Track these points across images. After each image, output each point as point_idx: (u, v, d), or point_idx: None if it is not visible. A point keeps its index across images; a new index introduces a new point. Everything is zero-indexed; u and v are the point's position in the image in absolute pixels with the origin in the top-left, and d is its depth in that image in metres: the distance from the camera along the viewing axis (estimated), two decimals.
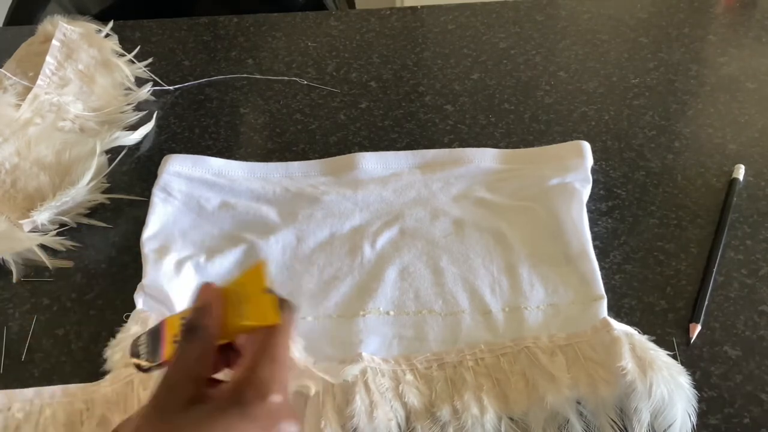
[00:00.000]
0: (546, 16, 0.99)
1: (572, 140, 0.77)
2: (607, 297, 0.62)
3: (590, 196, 0.71)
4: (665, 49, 0.92)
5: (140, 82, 0.91)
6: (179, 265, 0.67)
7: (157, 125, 0.86)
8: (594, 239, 0.67)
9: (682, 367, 0.55)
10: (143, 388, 0.56)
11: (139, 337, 0.46)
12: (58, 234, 0.73)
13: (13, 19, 1.21)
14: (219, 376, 0.45)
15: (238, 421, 0.40)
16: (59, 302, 0.67)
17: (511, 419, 0.55)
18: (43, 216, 0.72)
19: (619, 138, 0.80)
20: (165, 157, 0.76)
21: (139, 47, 0.95)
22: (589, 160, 0.74)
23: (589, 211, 0.70)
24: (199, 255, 0.68)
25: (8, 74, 0.86)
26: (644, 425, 0.53)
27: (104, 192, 0.77)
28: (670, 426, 0.53)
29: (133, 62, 0.92)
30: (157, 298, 0.64)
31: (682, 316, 0.62)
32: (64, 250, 0.72)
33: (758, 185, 0.73)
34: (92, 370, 0.61)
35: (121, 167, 0.80)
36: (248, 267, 0.46)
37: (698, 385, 0.56)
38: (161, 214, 0.71)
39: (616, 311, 0.63)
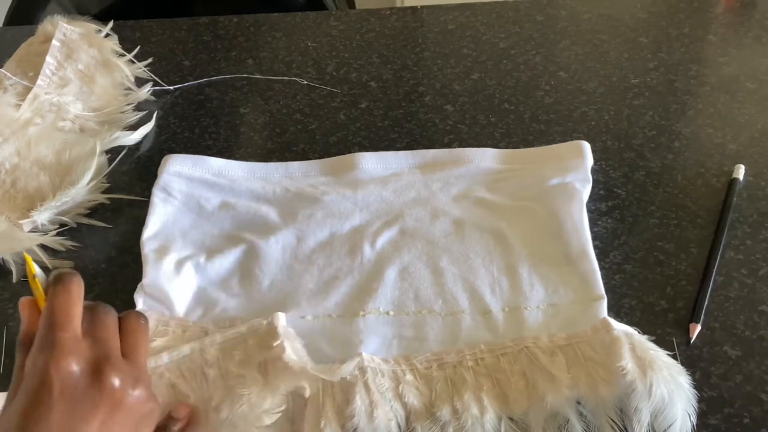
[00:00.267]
0: (546, 16, 0.99)
1: (572, 140, 0.77)
2: (607, 297, 0.62)
3: (590, 196, 0.71)
4: (665, 49, 0.92)
5: (140, 82, 0.91)
6: (179, 265, 0.67)
7: (157, 125, 0.86)
8: (594, 239, 0.67)
9: (682, 367, 0.55)
10: None
11: None
12: (58, 234, 0.73)
13: (13, 19, 1.21)
14: None
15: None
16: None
17: (511, 419, 0.55)
18: (43, 216, 0.72)
19: (619, 138, 0.80)
20: (165, 157, 0.76)
21: (139, 47, 0.95)
22: (589, 160, 0.74)
23: (589, 211, 0.70)
24: (199, 255, 0.68)
25: (8, 74, 0.86)
26: (644, 425, 0.53)
27: (104, 192, 0.77)
28: (670, 426, 0.53)
29: (133, 62, 0.92)
30: (157, 298, 0.64)
31: (682, 316, 0.62)
32: (64, 250, 0.72)
33: (758, 185, 0.73)
34: None
35: (121, 167, 0.80)
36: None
37: (698, 385, 0.56)
38: (161, 214, 0.71)
39: (616, 311, 0.63)
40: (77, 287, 0.47)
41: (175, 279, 0.65)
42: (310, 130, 0.84)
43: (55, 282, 0.46)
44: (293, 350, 0.57)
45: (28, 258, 0.50)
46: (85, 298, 0.67)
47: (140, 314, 0.49)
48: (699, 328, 0.61)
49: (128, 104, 0.88)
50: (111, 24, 0.93)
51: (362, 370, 0.56)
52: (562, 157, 0.74)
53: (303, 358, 0.57)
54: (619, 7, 0.99)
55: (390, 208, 0.72)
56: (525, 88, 0.88)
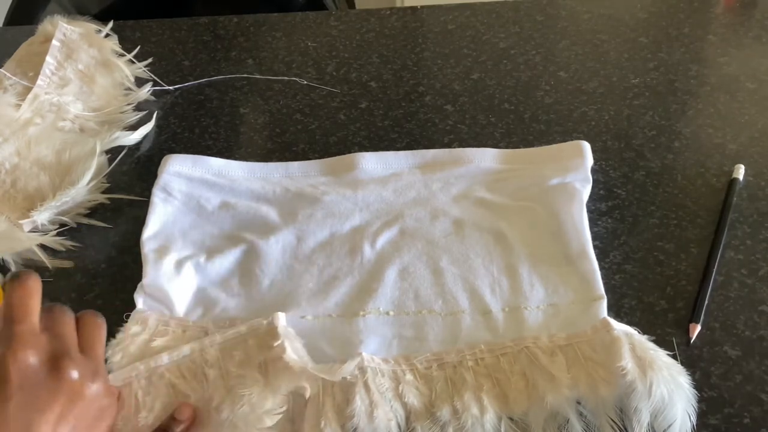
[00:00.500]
0: (546, 16, 0.99)
1: (572, 140, 0.77)
2: (607, 297, 0.62)
3: (590, 196, 0.71)
4: (665, 49, 0.92)
5: (140, 82, 0.91)
6: (179, 265, 0.67)
7: (157, 125, 0.86)
8: (594, 239, 0.67)
9: (682, 367, 0.55)
10: (144, 393, 0.56)
11: None
12: (58, 234, 0.73)
13: (13, 19, 1.21)
14: None
15: None
16: (59, 302, 0.67)
17: (511, 419, 0.55)
18: (43, 216, 0.72)
19: (619, 138, 0.80)
20: (165, 157, 0.76)
21: (139, 47, 0.95)
22: (589, 160, 0.74)
23: (589, 211, 0.70)
24: (199, 255, 0.68)
25: (8, 74, 0.86)
26: (644, 425, 0.53)
27: (104, 192, 0.77)
28: (670, 426, 0.53)
29: (133, 62, 0.92)
30: (157, 298, 0.64)
31: (682, 316, 0.62)
32: (64, 250, 0.72)
33: (758, 185, 0.73)
34: None
35: (121, 167, 0.80)
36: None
37: (698, 385, 0.56)
38: (161, 214, 0.71)
39: (616, 311, 0.63)
40: (34, 283, 0.48)
41: (175, 279, 0.65)
42: (310, 130, 0.84)
43: (12, 279, 0.48)
44: (293, 350, 0.57)
45: None
46: (85, 297, 0.68)
47: (96, 313, 0.51)
48: (699, 328, 0.61)
49: (128, 104, 0.88)
50: (111, 24, 0.93)
51: (362, 370, 0.56)
52: (562, 157, 0.74)
53: (303, 358, 0.57)
54: (619, 7, 0.99)
55: (390, 208, 0.72)
56: (525, 88, 0.88)
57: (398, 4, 1.43)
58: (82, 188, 0.74)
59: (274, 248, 0.68)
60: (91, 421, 0.46)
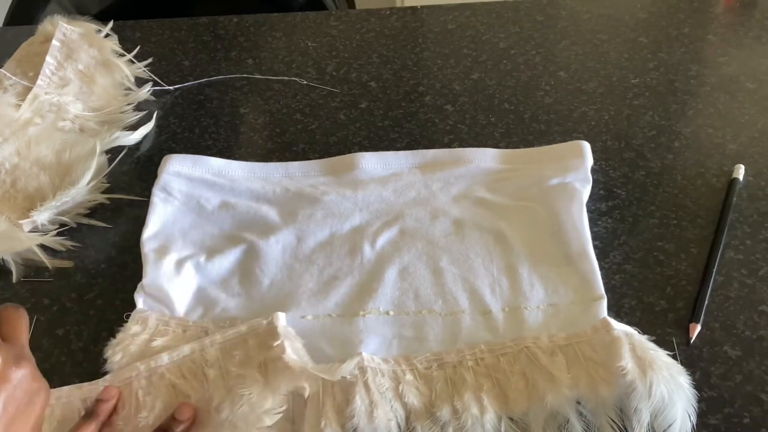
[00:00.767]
0: (546, 16, 0.99)
1: (572, 140, 0.77)
2: (607, 297, 0.62)
3: (590, 196, 0.71)
4: (665, 49, 0.92)
5: (140, 82, 0.91)
6: (179, 264, 0.67)
7: (157, 125, 0.86)
8: (594, 239, 0.67)
9: (682, 367, 0.55)
10: (144, 393, 0.57)
11: None
12: (58, 234, 0.73)
13: (13, 19, 1.21)
14: None
15: None
16: (59, 302, 0.67)
17: (511, 419, 0.55)
18: (43, 216, 0.72)
19: (619, 138, 0.80)
20: (165, 157, 0.76)
21: (139, 47, 0.95)
22: (589, 160, 0.74)
23: (589, 211, 0.70)
24: (199, 255, 0.68)
25: (8, 74, 0.86)
26: (644, 425, 0.53)
27: (104, 192, 0.77)
28: (670, 426, 0.53)
29: (133, 62, 0.92)
30: (157, 298, 0.64)
31: (682, 316, 0.62)
32: (64, 250, 0.72)
33: (758, 185, 0.73)
34: (92, 370, 0.61)
35: (121, 167, 0.80)
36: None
37: (698, 385, 0.56)
38: (161, 214, 0.71)
39: (616, 311, 0.63)
40: None
41: (175, 279, 0.65)
42: (310, 130, 0.84)
43: None
44: (293, 350, 0.57)
45: None
46: (85, 297, 0.68)
47: (17, 305, 0.51)
48: (699, 328, 0.61)
49: (128, 104, 0.88)
50: (111, 24, 0.93)
51: (362, 370, 0.56)
52: (562, 157, 0.74)
53: (303, 358, 0.57)
54: (619, 7, 0.99)
55: (390, 208, 0.72)
56: (525, 88, 0.88)
57: (398, 4, 1.43)
58: (82, 188, 0.74)
59: (274, 248, 0.68)
60: (20, 405, 0.47)
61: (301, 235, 0.69)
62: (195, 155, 0.77)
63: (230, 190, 0.74)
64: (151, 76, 0.91)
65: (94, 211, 0.76)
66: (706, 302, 0.63)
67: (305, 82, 0.91)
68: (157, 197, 0.73)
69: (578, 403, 0.55)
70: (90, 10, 1.10)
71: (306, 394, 0.55)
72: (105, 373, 0.59)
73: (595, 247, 0.66)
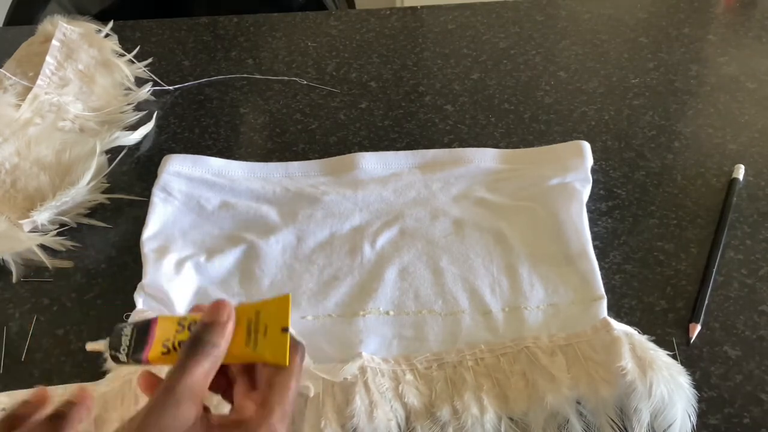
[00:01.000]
0: (546, 16, 0.99)
1: (572, 140, 0.77)
2: (607, 297, 0.62)
3: (590, 196, 0.71)
4: (665, 49, 0.92)
5: (140, 82, 0.91)
6: (179, 264, 0.67)
7: (157, 125, 0.86)
8: (594, 239, 0.67)
9: (682, 367, 0.55)
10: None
11: (123, 327, 0.44)
12: (58, 234, 0.73)
13: (13, 19, 1.21)
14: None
15: None
16: (59, 302, 0.67)
17: (511, 419, 0.55)
18: (43, 216, 0.72)
19: (619, 138, 0.80)
20: (165, 157, 0.76)
21: (139, 47, 0.95)
22: (589, 160, 0.74)
23: (589, 211, 0.70)
24: (199, 255, 0.68)
25: (8, 74, 0.86)
26: (644, 425, 0.53)
27: (104, 192, 0.77)
28: (670, 426, 0.53)
29: (133, 62, 0.92)
30: (157, 298, 0.64)
31: (682, 316, 0.62)
32: (64, 250, 0.72)
33: (758, 185, 0.73)
34: (92, 370, 0.61)
35: (121, 167, 0.80)
36: (271, 296, 0.45)
37: (698, 385, 0.56)
38: (161, 214, 0.71)
39: (616, 311, 0.63)
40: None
41: (175, 279, 0.65)
42: (310, 130, 0.84)
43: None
44: None
45: (287, 302, 0.44)
46: (85, 297, 0.68)
47: (300, 348, 0.46)
48: (699, 328, 0.61)
49: (128, 104, 0.88)
50: (111, 24, 0.93)
51: (362, 370, 0.56)
52: (562, 157, 0.74)
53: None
54: (619, 7, 0.99)
55: (390, 208, 0.72)
56: (525, 88, 0.88)
57: (398, 4, 1.43)
58: (82, 188, 0.74)
59: (274, 248, 0.68)
60: None
61: (301, 235, 0.69)
62: (195, 155, 0.77)
63: (230, 190, 0.74)
64: (151, 76, 0.91)
65: (94, 211, 0.76)
66: (706, 302, 0.63)
67: (305, 82, 0.91)
68: (157, 197, 0.73)
69: (578, 403, 0.55)
70: (90, 10, 1.10)
71: (311, 394, 0.55)
72: (105, 373, 0.59)
73: (595, 247, 0.66)
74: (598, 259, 0.65)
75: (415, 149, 0.78)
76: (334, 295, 0.64)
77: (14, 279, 0.69)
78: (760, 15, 0.97)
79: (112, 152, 0.81)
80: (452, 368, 0.58)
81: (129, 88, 0.90)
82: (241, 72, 0.93)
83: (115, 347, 0.44)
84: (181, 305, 0.64)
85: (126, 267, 0.70)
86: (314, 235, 0.69)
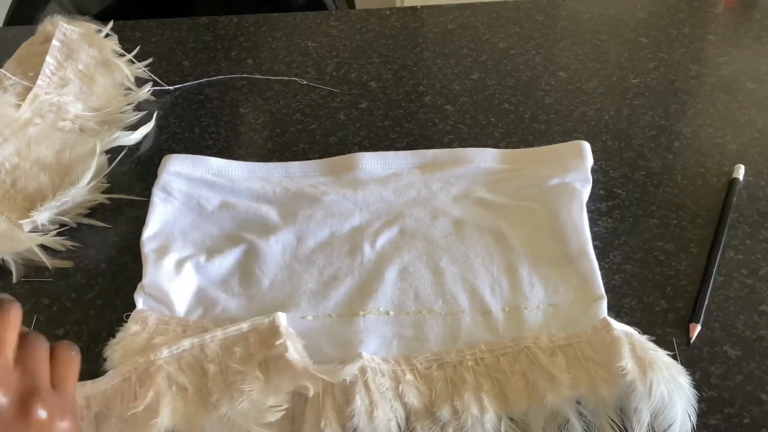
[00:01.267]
0: (546, 16, 0.99)
1: (572, 140, 0.77)
2: (607, 297, 0.62)
3: (590, 196, 0.71)
4: (665, 49, 0.92)
5: (140, 82, 0.91)
6: (179, 264, 0.67)
7: (157, 125, 0.86)
8: (594, 239, 0.67)
9: (682, 367, 0.55)
10: (140, 384, 0.56)
11: None
12: (58, 234, 0.73)
13: (13, 19, 1.21)
14: None
15: None
16: (59, 302, 0.67)
17: (511, 419, 0.55)
18: (43, 216, 0.72)
19: (619, 138, 0.80)
20: (165, 157, 0.76)
21: (139, 47, 0.95)
22: (589, 160, 0.74)
23: (589, 211, 0.70)
24: (199, 255, 0.68)
25: (8, 74, 0.86)
26: (644, 425, 0.53)
27: (104, 192, 0.77)
28: (670, 426, 0.53)
29: (133, 62, 0.92)
30: (157, 298, 0.64)
31: (682, 316, 0.62)
32: (64, 250, 0.72)
33: (758, 185, 0.73)
34: (92, 370, 0.60)
35: (121, 167, 0.80)
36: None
37: (698, 385, 0.56)
38: (161, 214, 0.71)
39: (616, 311, 0.63)
40: (14, 314, 0.46)
41: (175, 279, 0.65)
42: (310, 130, 0.84)
43: None
44: (294, 350, 0.57)
45: None
46: (85, 297, 0.68)
47: (72, 345, 0.49)
48: (699, 328, 0.61)
49: (128, 104, 0.88)
50: (111, 24, 0.93)
51: (362, 370, 0.56)
52: (562, 157, 0.74)
53: (304, 359, 0.57)
54: (619, 7, 0.99)
55: (390, 208, 0.72)
56: (525, 88, 0.88)
57: (398, 4, 1.43)
58: (82, 188, 0.74)
59: (274, 248, 0.68)
60: None
61: (301, 235, 0.69)
62: (195, 155, 0.77)
63: (230, 190, 0.74)
64: (151, 76, 0.91)
65: (94, 211, 0.76)
66: (706, 302, 0.63)
67: (305, 82, 0.91)
68: (157, 197, 0.73)
69: (578, 403, 0.55)
70: (90, 10, 1.10)
71: (310, 393, 0.55)
72: (105, 372, 0.59)
73: (595, 247, 0.66)
74: (598, 259, 0.65)
75: (415, 149, 0.78)
76: (334, 295, 0.64)
77: (14, 279, 0.69)
78: (760, 15, 0.97)
79: (112, 152, 0.81)
80: (452, 368, 0.58)
81: (129, 88, 0.90)
82: (241, 72, 0.93)
83: None
84: (181, 305, 0.64)
85: (126, 267, 0.70)
86: (314, 235, 0.69)
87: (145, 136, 0.84)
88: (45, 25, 0.91)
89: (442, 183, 0.73)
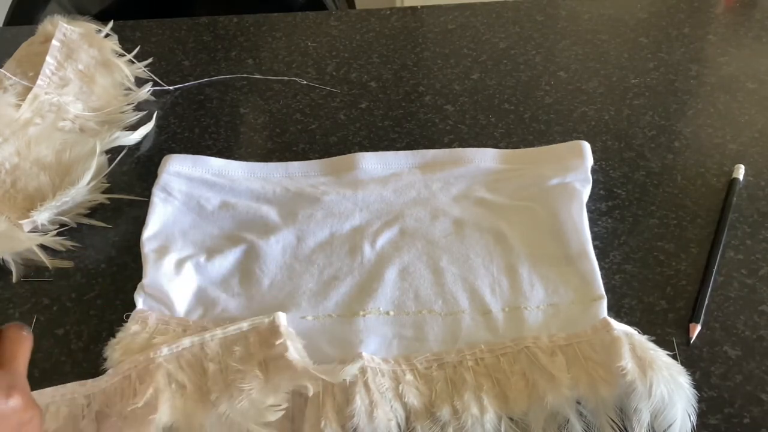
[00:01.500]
0: (546, 16, 0.99)
1: (572, 140, 0.77)
2: (607, 297, 0.62)
3: (590, 196, 0.71)
4: (665, 49, 0.92)
5: (140, 82, 0.91)
6: (179, 264, 0.67)
7: (157, 125, 0.86)
8: (594, 239, 0.67)
9: (682, 367, 0.55)
10: (140, 381, 0.56)
11: None
12: (58, 234, 0.73)
13: (13, 19, 1.21)
14: None
15: None
16: (59, 302, 0.67)
17: (511, 419, 0.55)
18: (43, 216, 0.72)
19: (619, 138, 0.80)
20: (165, 157, 0.76)
21: (139, 47, 0.95)
22: (589, 160, 0.74)
23: (589, 211, 0.70)
24: (199, 255, 0.68)
25: (8, 74, 0.86)
26: (644, 425, 0.53)
27: (104, 192, 0.77)
28: (670, 426, 0.53)
29: (133, 62, 0.92)
30: (157, 298, 0.64)
31: (682, 316, 0.62)
32: (64, 250, 0.72)
33: (758, 185, 0.73)
34: (92, 370, 0.61)
35: (121, 167, 0.80)
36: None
37: (698, 385, 0.56)
38: (161, 214, 0.71)
39: (616, 311, 0.63)
40: None
41: (175, 279, 0.65)
42: (310, 130, 0.84)
43: None
44: (294, 350, 0.57)
45: None
46: (85, 297, 0.68)
47: (22, 326, 0.49)
48: (699, 328, 0.61)
49: (128, 104, 0.88)
50: (111, 24, 0.93)
51: (362, 370, 0.56)
52: (562, 157, 0.74)
53: (304, 359, 0.57)
54: (619, 7, 0.99)
55: (390, 208, 0.72)
56: (525, 88, 0.88)
57: (398, 4, 1.43)
58: (82, 188, 0.74)
59: (274, 248, 0.68)
60: None
61: (301, 235, 0.69)
62: (195, 155, 0.77)
63: (230, 190, 0.74)
64: (151, 76, 0.91)
65: (94, 211, 0.76)
66: (706, 302, 0.63)
67: (305, 82, 0.91)
68: (157, 197, 0.73)
69: (578, 403, 0.55)
70: (90, 10, 1.10)
71: (310, 393, 0.55)
72: (105, 372, 0.59)
73: (595, 247, 0.66)
74: (598, 259, 0.65)
75: (415, 149, 0.78)
76: (334, 295, 0.64)
77: (14, 279, 0.69)
78: (760, 15, 0.97)
79: (112, 152, 0.81)
80: (452, 368, 0.58)
81: (129, 88, 0.90)
82: (241, 72, 0.93)
83: None
84: (181, 305, 0.64)
85: (126, 267, 0.70)
86: (314, 235, 0.69)
87: (145, 136, 0.84)
88: (45, 25, 0.91)
89: (442, 183, 0.73)
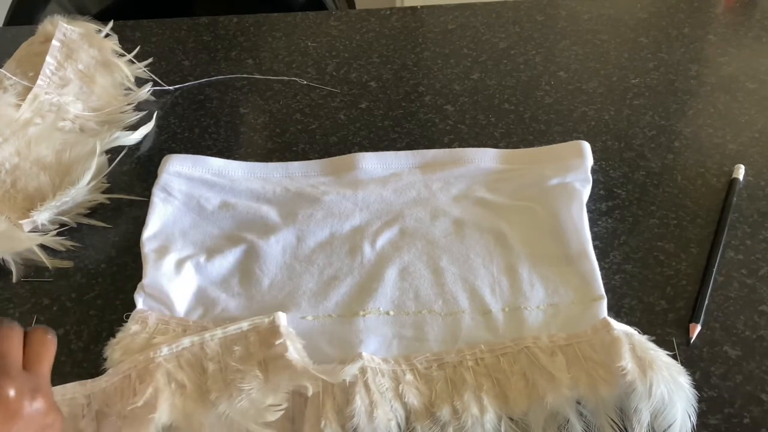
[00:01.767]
0: (546, 16, 0.99)
1: (572, 140, 0.77)
2: (607, 297, 0.62)
3: (590, 196, 0.71)
4: (665, 49, 0.92)
5: (140, 82, 0.91)
6: (179, 264, 0.67)
7: (157, 125, 0.86)
8: (594, 239, 0.67)
9: (682, 367, 0.55)
10: (140, 381, 0.56)
11: None
12: (58, 234, 0.73)
13: (13, 19, 1.21)
14: None
15: None
16: (59, 302, 0.67)
17: (511, 419, 0.55)
18: (43, 216, 0.72)
19: (619, 138, 0.80)
20: (165, 157, 0.76)
21: (139, 47, 0.95)
22: (589, 160, 0.74)
23: (589, 211, 0.70)
24: (199, 255, 0.68)
25: (8, 74, 0.86)
26: (644, 425, 0.53)
27: (104, 192, 0.77)
28: (670, 426, 0.53)
29: (133, 62, 0.92)
30: (157, 298, 0.64)
31: (682, 316, 0.62)
32: (64, 250, 0.72)
33: (758, 185, 0.73)
34: (92, 369, 0.61)
35: (121, 167, 0.80)
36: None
37: (698, 385, 0.56)
38: (161, 214, 0.71)
39: (616, 311, 0.63)
40: None
41: (175, 279, 0.65)
42: (310, 130, 0.84)
43: None
44: (294, 350, 0.57)
45: None
46: (85, 297, 0.68)
47: (47, 329, 0.50)
48: (699, 328, 0.61)
49: (128, 104, 0.88)
50: (111, 24, 0.93)
51: (362, 370, 0.56)
52: (562, 157, 0.74)
53: (304, 359, 0.57)
54: (619, 7, 0.99)
55: (390, 208, 0.72)
56: (525, 88, 0.88)
57: (398, 4, 1.43)
58: (82, 188, 0.74)
59: (274, 248, 0.68)
60: None
61: (301, 235, 0.69)
62: (195, 155, 0.77)
63: (230, 190, 0.74)
64: (151, 76, 0.91)
65: (94, 211, 0.76)
66: (706, 302, 0.63)
67: (305, 82, 0.91)
68: (157, 197, 0.73)
69: (578, 403, 0.55)
70: (90, 10, 1.11)
71: (310, 393, 0.55)
72: (105, 372, 0.59)
73: (595, 247, 0.66)
74: (598, 259, 0.65)
75: (415, 149, 0.78)
76: (334, 295, 0.64)
77: (14, 279, 0.69)
78: (760, 15, 0.97)
79: (112, 152, 0.81)
80: (452, 368, 0.58)
81: (129, 88, 0.90)
82: (241, 72, 0.93)
83: None
84: (181, 305, 0.64)
85: (126, 267, 0.70)
86: (314, 235, 0.69)
87: (145, 136, 0.84)
88: (45, 25, 0.91)
89: (442, 183, 0.73)
